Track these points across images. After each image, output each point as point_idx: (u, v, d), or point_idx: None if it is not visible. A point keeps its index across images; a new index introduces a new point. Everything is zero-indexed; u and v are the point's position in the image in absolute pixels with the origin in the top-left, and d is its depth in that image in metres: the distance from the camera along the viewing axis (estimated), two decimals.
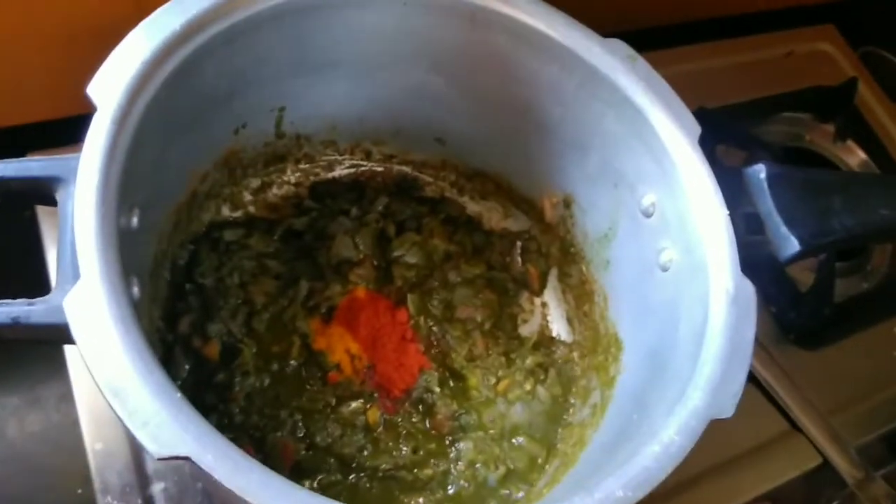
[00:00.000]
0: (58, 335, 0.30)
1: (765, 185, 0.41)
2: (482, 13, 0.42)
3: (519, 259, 0.54)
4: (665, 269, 0.41)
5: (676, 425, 0.32)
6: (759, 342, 0.55)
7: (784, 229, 0.40)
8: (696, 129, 0.40)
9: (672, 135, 0.40)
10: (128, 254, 0.31)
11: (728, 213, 0.38)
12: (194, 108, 0.39)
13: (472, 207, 0.55)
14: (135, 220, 0.34)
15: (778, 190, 0.41)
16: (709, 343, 0.35)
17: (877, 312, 0.67)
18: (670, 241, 0.41)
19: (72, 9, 0.45)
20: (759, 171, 0.42)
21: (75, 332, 0.28)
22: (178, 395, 0.27)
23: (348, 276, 0.49)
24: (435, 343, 0.49)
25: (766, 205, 0.41)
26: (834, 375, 0.63)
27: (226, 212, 0.49)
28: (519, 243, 0.54)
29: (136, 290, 0.33)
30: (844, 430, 0.59)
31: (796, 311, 0.62)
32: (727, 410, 0.32)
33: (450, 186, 0.55)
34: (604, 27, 0.42)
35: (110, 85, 0.33)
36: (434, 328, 0.49)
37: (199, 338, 0.44)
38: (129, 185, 0.32)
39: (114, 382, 0.27)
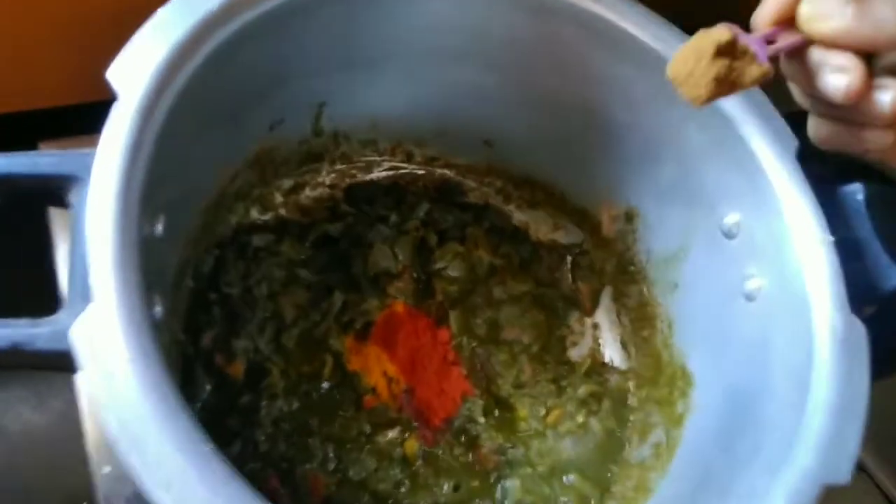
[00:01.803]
0: (66, 363, 0.25)
1: (863, 206, 0.37)
2: (549, 1, 0.38)
3: (569, 275, 0.49)
4: (751, 299, 0.36)
5: (785, 490, 0.27)
6: None
7: (886, 258, 0.36)
8: (793, 143, 0.35)
9: (766, 148, 0.35)
10: (150, 266, 0.27)
11: (828, 238, 0.33)
12: (228, 101, 0.35)
13: (519, 217, 0.50)
14: (159, 227, 0.30)
15: (878, 213, 0.37)
16: (816, 392, 0.30)
17: None
18: (758, 268, 0.36)
19: None
20: (857, 191, 0.37)
21: (85, 366, 0.24)
22: (208, 447, 0.23)
23: (386, 289, 0.44)
24: (479, 367, 0.44)
25: (865, 229, 0.36)
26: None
27: (255, 214, 0.44)
28: (569, 258, 0.50)
29: (158, 308, 0.29)
30: None
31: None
32: (843, 474, 0.28)
33: (495, 193, 0.50)
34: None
35: (134, 70, 0.29)
36: (478, 350, 0.44)
37: (222, 355, 0.39)
38: (154, 186, 0.28)
39: (131, 429, 0.22)
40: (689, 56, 0.26)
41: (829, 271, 0.33)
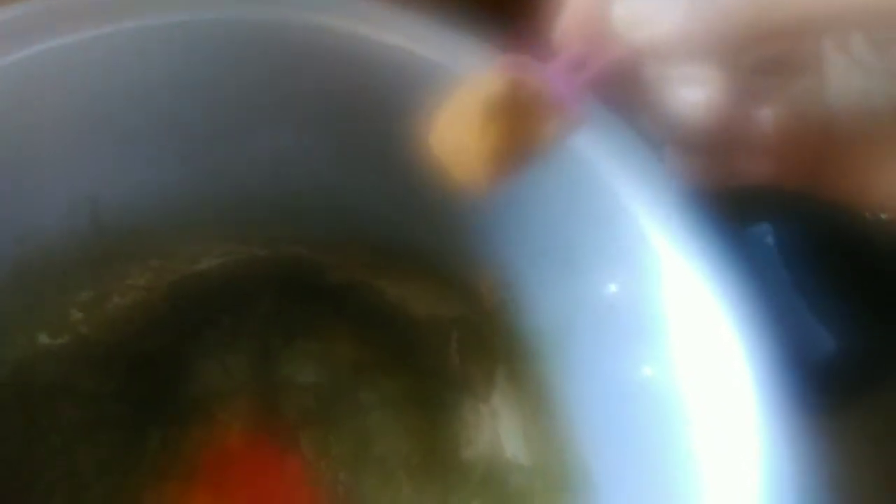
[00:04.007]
0: None
1: (775, 253, 0.29)
2: (357, 45, 0.30)
3: (457, 356, 0.41)
4: (646, 390, 0.28)
5: None
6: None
7: (809, 318, 0.28)
8: (671, 189, 0.28)
9: (636, 198, 0.28)
10: None
11: (730, 313, 0.26)
12: None
13: (393, 291, 0.42)
14: None
15: (796, 259, 0.29)
16: None
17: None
18: (648, 351, 0.28)
19: None
20: (765, 233, 0.30)
21: None
22: None
23: (216, 415, 0.35)
24: (344, 496, 0.36)
25: (780, 283, 0.29)
26: (862, 447, 0.51)
27: (44, 340, 0.36)
28: (455, 334, 0.41)
29: None
30: None
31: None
32: None
33: (360, 268, 0.42)
34: None
35: None
36: (341, 475, 0.36)
37: None
38: None
39: None
40: (454, 124, 0.18)
41: (730, 358, 0.25)
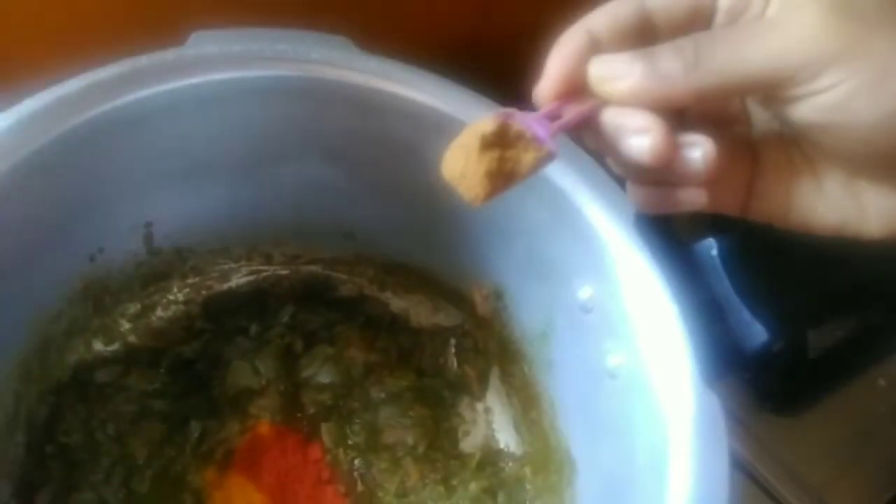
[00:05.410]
0: None
1: (718, 263, 0.35)
2: (370, 95, 0.36)
3: (454, 359, 0.47)
4: (613, 377, 0.34)
5: None
6: (734, 417, 0.49)
7: (746, 315, 0.34)
8: (629, 209, 0.34)
9: (602, 218, 0.34)
10: None
11: (677, 307, 0.32)
12: (19, 241, 0.32)
13: (397, 304, 0.48)
14: None
15: (733, 267, 0.35)
16: (672, 481, 0.28)
17: (856, 363, 0.61)
18: (615, 343, 0.34)
19: None
20: (710, 247, 0.36)
21: None
22: None
23: (248, 409, 0.41)
24: (358, 479, 0.41)
25: (723, 287, 0.35)
26: (822, 443, 0.56)
27: (98, 346, 0.41)
28: (453, 340, 0.47)
29: None
30: None
31: (768, 376, 0.56)
32: None
33: (368, 283, 0.48)
34: None
35: None
36: (356, 461, 0.41)
37: None
38: None
39: None
40: (459, 153, 0.24)
41: (678, 343, 0.31)
